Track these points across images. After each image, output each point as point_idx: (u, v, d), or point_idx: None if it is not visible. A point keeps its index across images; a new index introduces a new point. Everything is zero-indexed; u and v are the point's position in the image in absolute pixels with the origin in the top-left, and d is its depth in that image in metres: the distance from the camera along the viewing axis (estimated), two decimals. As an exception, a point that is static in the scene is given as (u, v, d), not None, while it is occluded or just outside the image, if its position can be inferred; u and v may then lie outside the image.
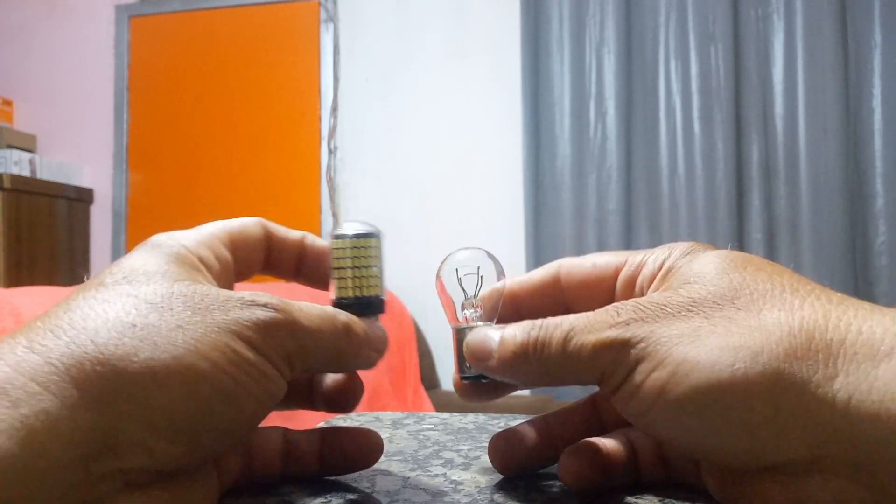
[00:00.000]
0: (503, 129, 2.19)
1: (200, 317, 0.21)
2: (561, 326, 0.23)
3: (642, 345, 0.22)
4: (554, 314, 0.24)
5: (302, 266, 0.29)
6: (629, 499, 0.26)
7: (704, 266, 0.24)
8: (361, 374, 0.29)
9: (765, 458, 0.21)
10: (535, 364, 0.24)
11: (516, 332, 0.24)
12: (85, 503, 0.19)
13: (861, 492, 0.20)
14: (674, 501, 0.25)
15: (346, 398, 0.28)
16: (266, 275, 0.30)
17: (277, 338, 0.22)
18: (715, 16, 2.00)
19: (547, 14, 2.13)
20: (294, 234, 0.29)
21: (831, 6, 1.91)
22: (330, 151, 2.32)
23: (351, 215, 2.30)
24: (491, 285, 0.28)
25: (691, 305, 0.22)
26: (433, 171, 2.26)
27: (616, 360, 0.22)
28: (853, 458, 0.19)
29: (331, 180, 2.31)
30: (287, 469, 0.27)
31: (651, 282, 0.26)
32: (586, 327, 0.23)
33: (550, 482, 0.28)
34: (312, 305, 0.24)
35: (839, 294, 0.22)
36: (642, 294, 0.26)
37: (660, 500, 0.25)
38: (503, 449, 0.28)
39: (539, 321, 0.24)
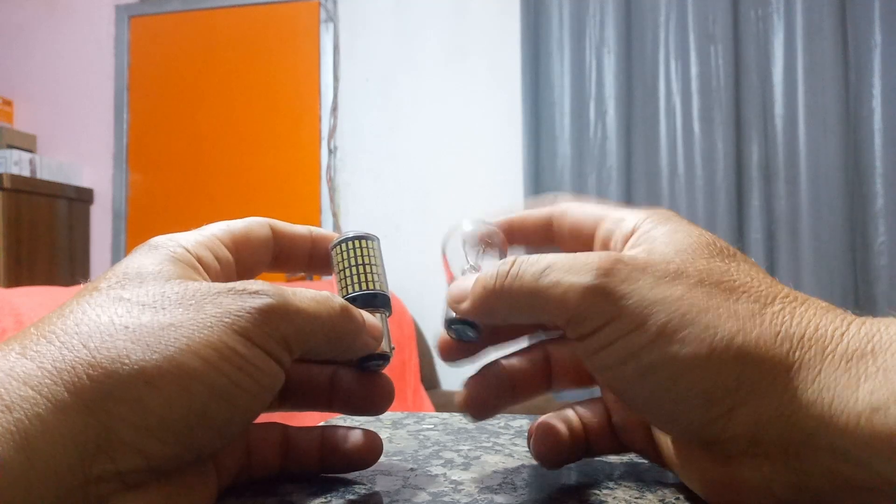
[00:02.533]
0: (503, 129, 2.19)
1: (193, 313, 0.21)
2: (538, 263, 0.24)
3: (622, 301, 0.22)
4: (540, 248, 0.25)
5: (313, 257, 0.30)
6: (630, 498, 0.26)
7: (693, 243, 0.24)
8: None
9: (712, 431, 0.22)
10: (506, 296, 0.24)
11: (490, 270, 0.25)
12: None
13: (788, 475, 0.21)
14: (673, 501, 0.25)
15: (373, 398, 0.28)
16: (274, 271, 0.30)
17: (272, 323, 0.22)
18: (715, 16, 2.00)
19: (547, 14, 2.14)
20: (300, 228, 0.29)
21: (831, 6, 1.92)
22: (330, 151, 2.33)
23: (351, 215, 2.30)
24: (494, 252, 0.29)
25: (676, 274, 0.23)
26: (433, 171, 2.26)
27: (591, 306, 0.22)
28: (787, 442, 0.21)
29: (331, 180, 2.31)
30: (286, 467, 0.27)
31: (624, 242, 0.26)
32: (564, 266, 0.23)
33: (551, 483, 0.28)
34: (306, 290, 0.24)
35: (802, 294, 0.23)
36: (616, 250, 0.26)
37: (660, 502, 0.25)
38: (481, 398, 0.28)
39: (514, 257, 0.24)
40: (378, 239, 0.29)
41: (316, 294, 0.24)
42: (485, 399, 0.27)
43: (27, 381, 0.19)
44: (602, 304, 0.22)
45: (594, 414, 0.28)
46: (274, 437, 0.27)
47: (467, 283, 0.25)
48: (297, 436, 0.28)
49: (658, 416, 0.24)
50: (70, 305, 0.22)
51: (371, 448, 0.28)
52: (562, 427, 0.28)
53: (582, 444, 0.28)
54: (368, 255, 0.28)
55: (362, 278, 0.28)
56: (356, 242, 0.28)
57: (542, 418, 0.28)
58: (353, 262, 0.28)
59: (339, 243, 0.28)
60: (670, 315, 0.21)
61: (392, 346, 0.28)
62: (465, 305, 0.25)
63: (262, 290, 0.22)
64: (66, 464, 0.18)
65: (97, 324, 0.20)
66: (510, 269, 0.24)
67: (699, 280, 0.22)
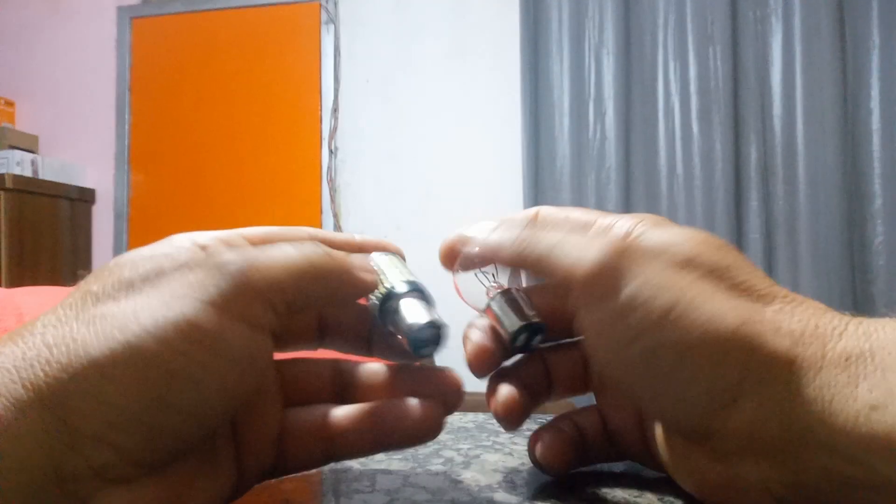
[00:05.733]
0: (503, 129, 2.19)
1: (156, 293, 0.20)
2: (574, 213, 0.25)
3: (631, 279, 0.22)
4: None
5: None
6: (629, 496, 0.26)
7: (694, 237, 0.24)
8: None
9: (713, 423, 0.22)
10: (528, 229, 0.25)
11: (510, 223, 0.26)
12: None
13: (786, 474, 0.21)
14: (673, 501, 0.26)
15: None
16: None
17: (242, 283, 0.20)
18: (713, 17, 2.00)
19: (546, 15, 2.13)
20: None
21: (829, 7, 1.91)
22: (330, 152, 2.33)
23: (352, 216, 2.30)
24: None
25: (686, 262, 0.23)
26: (433, 172, 2.25)
27: (605, 266, 0.23)
28: (785, 439, 0.21)
29: (331, 181, 2.31)
30: (331, 455, 0.25)
31: None
32: (599, 222, 0.24)
33: (551, 482, 0.28)
34: (274, 246, 0.23)
35: (800, 295, 0.23)
36: None
37: (659, 500, 0.26)
38: (519, 408, 0.27)
39: (539, 208, 0.26)
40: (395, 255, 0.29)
41: (287, 245, 0.23)
42: (522, 409, 0.27)
43: None
44: (616, 266, 0.22)
45: (590, 422, 0.28)
46: (313, 421, 0.25)
47: (485, 225, 0.26)
48: (342, 419, 0.25)
49: (659, 406, 0.23)
50: (52, 308, 0.21)
51: (429, 422, 0.24)
52: (567, 435, 0.28)
53: (581, 452, 0.28)
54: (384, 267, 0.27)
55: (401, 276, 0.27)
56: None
57: (545, 426, 0.28)
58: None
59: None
60: (678, 299, 0.22)
61: (436, 316, 0.25)
62: (480, 237, 0.26)
63: (223, 252, 0.21)
64: (34, 462, 0.18)
65: (62, 322, 0.20)
66: (542, 208, 0.25)
67: (706, 272, 0.23)
